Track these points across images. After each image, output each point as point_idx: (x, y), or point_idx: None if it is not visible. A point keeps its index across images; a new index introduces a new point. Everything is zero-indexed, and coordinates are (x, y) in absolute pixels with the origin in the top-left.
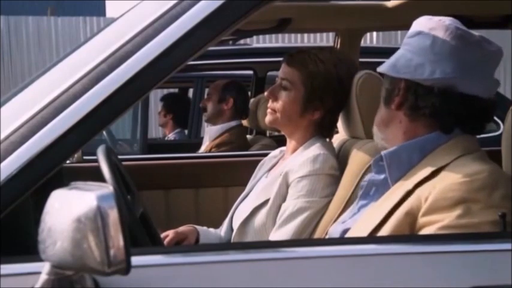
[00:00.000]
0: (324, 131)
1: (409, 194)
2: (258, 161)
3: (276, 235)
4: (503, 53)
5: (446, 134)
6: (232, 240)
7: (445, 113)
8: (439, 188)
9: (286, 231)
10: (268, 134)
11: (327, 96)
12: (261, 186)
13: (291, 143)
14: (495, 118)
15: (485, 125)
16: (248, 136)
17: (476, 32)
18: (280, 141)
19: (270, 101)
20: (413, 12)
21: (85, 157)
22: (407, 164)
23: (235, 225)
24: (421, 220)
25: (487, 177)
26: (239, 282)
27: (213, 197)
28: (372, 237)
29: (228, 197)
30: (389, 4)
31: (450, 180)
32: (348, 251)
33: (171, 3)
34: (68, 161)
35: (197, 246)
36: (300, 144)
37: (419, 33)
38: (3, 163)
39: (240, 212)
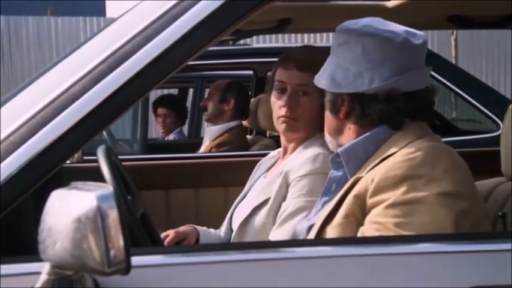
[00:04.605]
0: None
1: (359, 180)
2: (258, 161)
3: (275, 234)
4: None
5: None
6: (232, 241)
7: (393, 114)
8: (383, 169)
9: (286, 230)
10: (268, 134)
11: None
12: (260, 186)
13: (290, 143)
14: (495, 118)
15: (432, 111)
16: (248, 136)
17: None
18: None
19: (286, 109)
20: (413, 12)
21: (85, 157)
22: (363, 156)
23: (235, 225)
24: (369, 201)
25: (428, 153)
26: (239, 282)
27: (213, 197)
28: (373, 238)
29: (228, 197)
30: (389, 4)
31: (393, 160)
32: (348, 251)
33: (171, 3)
34: (68, 161)
35: (197, 246)
36: (300, 143)
37: (347, 42)
38: (3, 163)
39: (239, 212)
